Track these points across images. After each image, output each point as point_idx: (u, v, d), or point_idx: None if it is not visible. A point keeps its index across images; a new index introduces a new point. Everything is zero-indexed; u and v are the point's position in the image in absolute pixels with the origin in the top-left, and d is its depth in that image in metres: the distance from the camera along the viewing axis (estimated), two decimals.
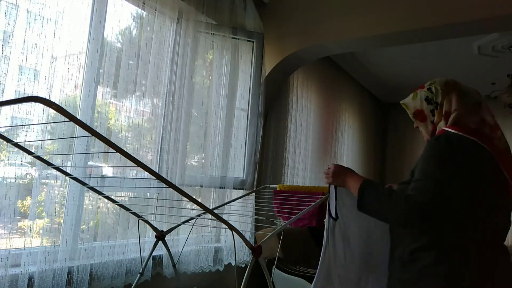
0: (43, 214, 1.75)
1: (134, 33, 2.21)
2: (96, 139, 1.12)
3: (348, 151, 4.71)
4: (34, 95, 1.70)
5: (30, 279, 1.65)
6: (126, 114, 2.12)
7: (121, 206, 1.80)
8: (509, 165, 1.22)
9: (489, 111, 1.33)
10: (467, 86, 1.41)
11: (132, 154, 1.16)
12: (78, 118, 1.07)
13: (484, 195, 1.20)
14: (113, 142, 1.15)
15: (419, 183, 1.19)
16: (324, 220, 1.55)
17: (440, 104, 1.38)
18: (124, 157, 1.17)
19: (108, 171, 2.06)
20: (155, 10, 2.27)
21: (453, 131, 1.26)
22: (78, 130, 1.82)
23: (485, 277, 1.18)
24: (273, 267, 1.95)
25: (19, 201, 1.68)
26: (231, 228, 1.49)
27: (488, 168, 1.21)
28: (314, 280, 1.45)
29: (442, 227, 1.20)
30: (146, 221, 1.89)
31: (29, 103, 1.69)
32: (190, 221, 2.06)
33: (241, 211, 2.58)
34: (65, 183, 1.85)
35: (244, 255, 2.80)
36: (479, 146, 1.21)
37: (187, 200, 1.37)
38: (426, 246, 1.21)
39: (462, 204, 1.18)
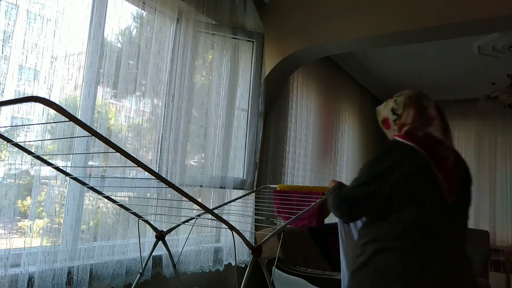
0: (43, 214, 1.75)
1: (134, 33, 2.21)
2: (96, 139, 1.12)
3: (348, 151, 4.71)
4: (34, 95, 1.70)
5: (30, 279, 1.65)
6: (126, 114, 2.12)
7: (121, 206, 1.80)
8: (445, 171, 1.38)
9: (439, 128, 1.47)
10: (429, 101, 1.54)
11: (132, 154, 1.17)
12: (78, 118, 1.07)
13: (411, 194, 1.35)
14: (113, 142, 1.15)
15: (350, 184, 1.44)
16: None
17: (400, 115, 1.54)
18: (124, 157, 1.17)
19: (108, 171, 2.06)
20: (155, 10, 2.27)
21: (399, 138, 1.46)
22: (78, 130, 1.82)
23: (409, 275, 1.29)
24: (273, 267, 1.95)
25: (19, 201, 1.68)
26: (231, 228, 1.49)
27: (421, 170, 1.36)
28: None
29: (376, 223, 1.40)
30: (146, 221, 1.89)
31: (29, 103, 1.69)
32: (190, 221, 2.06)
33: (241, 211, 2.58)
34: (65, 183, 1.85)
35: (244, 255, 2.80)
36: (416, 151, 1.37)
37: (187, 200, 1.37)
38: (368, 241, 1.39)
39: (389, 201, 1.35)
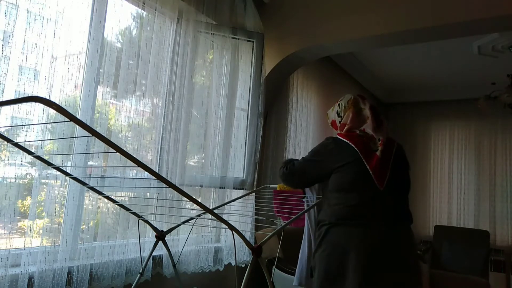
0: (43, 214, 1.75)
1: (134, 33, 2.21)
2: (96, 139, 1.12)
3: None
4: (34, 95, 1.70)
5: (30, 279, 1.66)
6: (126, 114, 2.12)
7: (122, 206, 1.80)
8: (373, 164, 1.66)
9: (371, 126, 1.75)
10: (365, 103, 1.82)
11: (132, 154, 1.16)
12: (78, 118, 1.07)
13: (350, 183, 1.67)
14: (113, 142, 1.15)
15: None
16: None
17: (342, 117, 1.86)
18: (124, 157, 1.17)
19: (108, 171, 2.06)
20: (155, 10, 2.27)
21: (339, 136, 1.77)
22: (78, 130, 1.82)
23: (339, 249, 1.62)
24: (273, 267, 1.95)
25: (19, 201, 1.68)
26: (232, 228, 1.49)
27: (352, 161, 1.67)
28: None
29: (326, 209, 1.75)
30: (146, 221, 1.89)
31: (29, 103, 1.69)
32: (190, 221, 2.06)
33: (241, 211, 2.58)
34: (65, 183, 1.85)
35: (244, 255, 2.80)
36: (350, 147, 1.69)
37: (187, 200, 1.37)
38: (321, 224, 1.73)
39: (336, 190, 1.70)
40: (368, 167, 1.65)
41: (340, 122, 1.86)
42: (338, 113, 1.89)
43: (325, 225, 1.69)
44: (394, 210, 1.68)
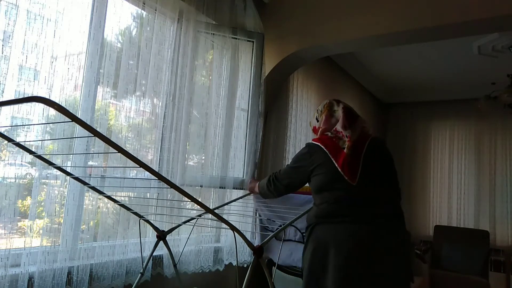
0: (43, 214, 1.75)
1: (134, 33, 2.20)
2: (96, 139, 1.12)
3: None
4: (34, 95, 1.69)
5: (30, 279, 1.65)
6: (126, 114, 2.12)
7: (122, 206, 1.80)
8: (341, 162, 1.75)
9: (342, 125, 1.87)
10: (338, 105, 1.96)
11: (132, 154, 1.16)
12: (79, 118, 1.07)
13: (319, 180, 1.78)
14: (114, 142, 1.14)
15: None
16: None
17: (319, 121, 1.98)
18: (124, 157, 1.17)
19: (108, 171, 2.06)
20: (155, 10, 2.27)
21: (312, 142, 1.90)
22: (78, 130, 1.82)
23: (323, 245, 1.70)
24: (274, 267, 1.95)
25: (19, 201, 1.68)
26: (233, 228, 1.49)
27: (323, 162, 1.78)
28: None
29: (309, 211, 1.88)
30: (147, 221, 1.89)
31: (29, 103, 1.69)
32: (191, 221, 2.06)
33: (241, 211, 2.58)
34: (65, 183, 1.85)
35: (244, 255, 2.80)
36: (321, 149, 1.81)
37: (188, 200, 1.37)
38: (307, 225, 1.84)
39: (316, 192, 1.81)
40: (336, 165, 1.74)
41: (318, 127, 1.98)
42: (316, 119, 2.01)
43: (311, 225, 1.79)
44: (375, 204, 1.72)
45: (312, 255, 1.72)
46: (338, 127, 1.86)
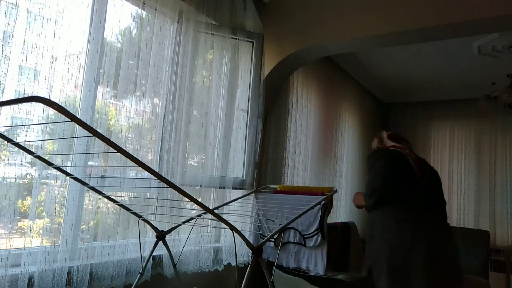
0: (43, 214, 1.75)
1: (134, 33, 2.21)
2: (96, 139, 1.12)
3: (348, 151, 4.71)
4: (34, 95, 1.69)
5: (30, 279, 1.65)
6: (126, 114, 2.12)
7: (122, 206, 1.80)
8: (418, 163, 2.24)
9: (395, 144, 2.40)
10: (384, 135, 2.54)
11: (132, 154, 1.16)
12: (79, 118, 1.07)
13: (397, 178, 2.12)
14: (114, 142, 1.14)
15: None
16: None
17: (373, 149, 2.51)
18: (124, 157, 1.17)
19: (108, 171, 2.06)
20: (155, 10, 2.27)
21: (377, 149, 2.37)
22: (78, 130, 1.82)
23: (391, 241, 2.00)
24: (273, 267, 1.95)
25: (19, 201, 1.68)
26: (232, 228, 1.49)
27: (401, 161, 2.21)
28: None
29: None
30: (147, 221, 1.89)
31: (29, 103, 1.69)
32: (190, 221, 2.06)
33: (241, 211, 2.58)
34: (65, 183, 1.85)
35: (243, 255, 2.80)
36: (396, 150, 2.25)
37: (187, 200, 1.37)
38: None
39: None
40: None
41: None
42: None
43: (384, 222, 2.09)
44: (433, 201, 2.21)
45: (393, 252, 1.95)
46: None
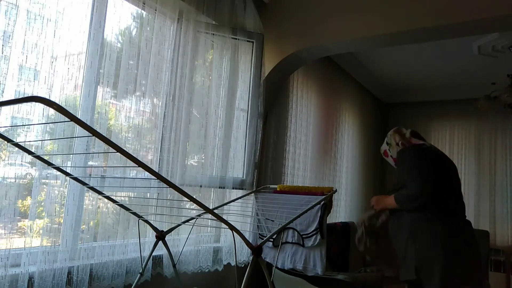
0: (43, 214, 1.75)
1: (134, 33, 2.21)
2: (96, 139, 1.12)
3: (348, 151, 4.71)
4: (34, 95, 1.70)
5: (30, 279, 1.65)
6: (126, 114, 2.12)
7: (122, 206, 1.80)
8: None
9: (411, 135, 2.32)
10: (405, 131, 2.36)
11: (132, 154, 1.16)
12: (79, 118, 1.07)
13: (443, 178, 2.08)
14: (113, 142, 1.14)
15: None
16: None
17: (390, 143, 2.37)
18: (124, 157, 1.17)
19: (108, 171, 2.06)
20: (155, 10, 2.27)
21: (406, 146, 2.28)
22: (78, 130, 1.82)
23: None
24: (273, 267, 1.95)
25: (19, 201, 1.68)
26: (232, 228, 1.49)
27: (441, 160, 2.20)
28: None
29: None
30: (147, 221, 1.89)
31: (29, 103, 1.69)
32: (190, 221, 2.06)
33: (240, 211, 2.58)
34: (65, 183, 1.85)
35: (243, 255, 2.80)
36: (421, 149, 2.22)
37: (187, 200, 1.37)
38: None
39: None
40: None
41: (389, 148, 2.41)
42: (387, 143, 2.43)
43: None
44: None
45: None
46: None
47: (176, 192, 1.33)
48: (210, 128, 2.58)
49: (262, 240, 1.69)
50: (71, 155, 1.90)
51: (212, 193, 2.69)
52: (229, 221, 1.48)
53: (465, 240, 2.01)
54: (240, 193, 2.71)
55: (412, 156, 2.13)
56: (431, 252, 1.95)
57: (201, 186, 2.50)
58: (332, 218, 4.12)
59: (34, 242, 1.70)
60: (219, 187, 2.61)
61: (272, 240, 2.61)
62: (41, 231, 1.74)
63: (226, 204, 2.43)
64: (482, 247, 4.51)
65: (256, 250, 1.59)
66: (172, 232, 2.03)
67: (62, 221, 1.84)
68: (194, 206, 2.16)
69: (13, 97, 1.66)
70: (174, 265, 2.08)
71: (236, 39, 2.77)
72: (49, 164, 1.50)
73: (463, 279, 1.91)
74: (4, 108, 1.63)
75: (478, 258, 2.01)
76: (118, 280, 2.00)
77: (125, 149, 1.28)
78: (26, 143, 1.57)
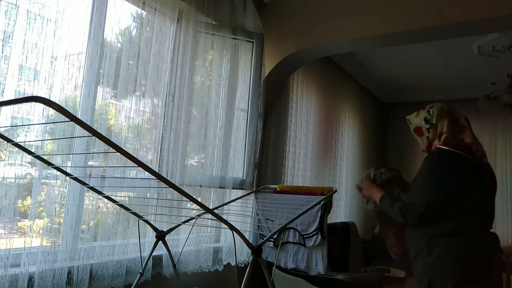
0: (43, 214, 1.75)
1: (134, 33, 2.21)
2: (96, 139, 1.12)
3: (348, 151, 4.71)
4: (34, 95, 1.70)
5: (30, 279, 1.65)
6: (126, 114, 2.12)
7: (122, 206, 1.80)
8: (488, 170, 1.79)
9: (470, 133, 1.87)
10: (458, 113, 1.88)
11: (132, 154, 1.16)
12: (79, 118, 1.07)
13: (465, 193, 1.69)
14: (113, 142, 1.14)
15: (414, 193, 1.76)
16: None
17: (434, 125, 1.85)
18: (124, 157, 1.17)
19: (108, 171, 2.06)
20: (155, 10, 2.27)
21: (444, 147, 1.78)
22: (78, 130, 1.82)
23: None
24: (273, 267, 1.95)
25: (19, 201, 1.68)
26: (232, 228, 1.49)
27: (472, 172, 1.72)
28: None
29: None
30: (146, 221, 1.89)
31: (29, 103, 1.69)
32: (190, 221, 2.06)
33: (240, 211, 2.58)
34: (65, 183, 1.85)
35: (243, 255, 2.80)
36: (466, 158, 1.73)
37: (187, 200, 1.37)
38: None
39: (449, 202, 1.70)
40: (484, 177, 1.82)
41: (428, 129, 1.87)
42: (426, 120, 1.88)
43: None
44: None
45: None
46: (466, 137, 1.84)
47: (176, 192, 1.33)
48: (210, 128, 2.58)
49: (262, 240, 1.69)
50: (71, 155, 1.90)
51: (212, 193, 2.69)
52: (229, 221, 1.48)
53: (483, 259, 1.70)
54: (240, 193, 2.71)
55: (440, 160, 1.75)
56: (444, 267, 1.71)
57: (201, 186, 2.50)
58: (332, 218, 4.12)
59: (34, 242, 1.70)
60: (219, 187, 2.61)
61: (272, 240, 2.62)
62: (41, 231, 1.74)
63: (226, 204, 2.43)
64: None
65: (256, 250, 1.59)
66: (172, 232, 2.03)
67: (62, 221, 1.84)
68: (194, 206, 2.16)
69: (13, 97, 1.66)
70: (174, 265, 2.08)
71: (236, 39, 2.77)
72: (49, 164, 1.50)
73: None
74: (4, 108, 1.63)
75: (496, 278, 1.72)
76: (118, 280, 2.00)
77: (125, 149, 1.28)
78: (26, 143, 1.57)
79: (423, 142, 1.90)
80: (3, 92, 1.59)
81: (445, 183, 1.68)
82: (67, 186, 1.85)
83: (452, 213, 1.69)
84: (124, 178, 2.10)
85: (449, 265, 1.69)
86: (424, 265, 1.75)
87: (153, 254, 1.97)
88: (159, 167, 2.31)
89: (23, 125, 1.73)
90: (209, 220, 2.35)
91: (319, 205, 2.34)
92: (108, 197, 1.73)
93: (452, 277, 1.67)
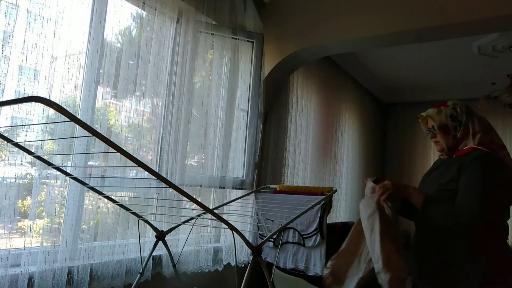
0: (43, 214, 1.75)
1: (134, 33, 2.21)
2: (96, 139, 1.12)
3: (348, 151, 4.71)
4: (34, 95, 1.70)
5: (30, 279, 1.65)
6: (126, 114, 2.12)
7: (121, 206, 1.80)
8: None
9: (497, 134, 1.76)
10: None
11: (132, 154, 1.16)
12: (79, 118, 1.07)
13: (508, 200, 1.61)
14: (113, 142, 1.14)
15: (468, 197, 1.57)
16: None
17: (464, 123, 1.72)
18: (124, 157, 1.17)
19: (108, 171, 2.06)
20: (155, 10, 2.27)
21: (485, 149, 1.64)
22: (78, 130, 1.82)
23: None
24: (273, 267, 1.95)
25: (19, 201, 1.68)
26: (232, 228, 1.49)
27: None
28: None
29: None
30: (146, 221, 1.89)
31: (29, 103, 1.69)
32: (190, 221, 2.06)
33: (240, 211, 2.58)
34: (65, 183, 1.85)
35: (243, 255, 2.80)
36: (504, 162, 1.63)
37: (187, 200, 1.37)
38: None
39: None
40: None
41: (456, 127, 1.73)
42: (453, 117, 1.75)
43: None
44: None
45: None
46: (496, 138, 1.77)
47: (176, 192, 1.33)
48: (210, 128, 2.58)
49: (262, 240, 1.69)
50: (71, 155, 1.90)
51: (212, 193, 2.69)
52: (229, 221, 1.48)
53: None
54: (240, 193, 2.71)
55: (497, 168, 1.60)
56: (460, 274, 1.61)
57: (201, 186, 2.50)
58: (332, 218, 4.12)
59: (34, 242, 1.70)
60: (219, 187, 2.61)
61: (272, 240, 2.62)
62: (41, 231, 1.74)
63: (226, 204, 2.43)
64: None
65: (256, 250, 1.59)
66: (172, 232, 2.03)
67: (62, 221, 1.84)
68: (194, 206, 2.16)
69: (13, 97, 1.66)
70: (174, 265, 2.08)
71: (236, 39, 2.77)
72: (49, 164, 1.50)
73: None
74: (4, 108, 1.63)
75: None
76: (118, 280, 2.00)
77: (125, 149, 1.28)
78: (26, 143, 1.57)
79: (446, 140, 1.73)
80: (3, 92, 1.59)
81: (506, 192, 1.60)
82: (67, 186, 1.85)
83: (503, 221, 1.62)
84: (124, 178, 2.10)
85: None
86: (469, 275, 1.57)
87: (153, 254, 1.97)
88: (159, 167, 2.31)
89: (23, 125, 1.73)
90: (209, 220, 2.35)
91: (319, 205, 2.34)
92: (108, 197, 1.73)
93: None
